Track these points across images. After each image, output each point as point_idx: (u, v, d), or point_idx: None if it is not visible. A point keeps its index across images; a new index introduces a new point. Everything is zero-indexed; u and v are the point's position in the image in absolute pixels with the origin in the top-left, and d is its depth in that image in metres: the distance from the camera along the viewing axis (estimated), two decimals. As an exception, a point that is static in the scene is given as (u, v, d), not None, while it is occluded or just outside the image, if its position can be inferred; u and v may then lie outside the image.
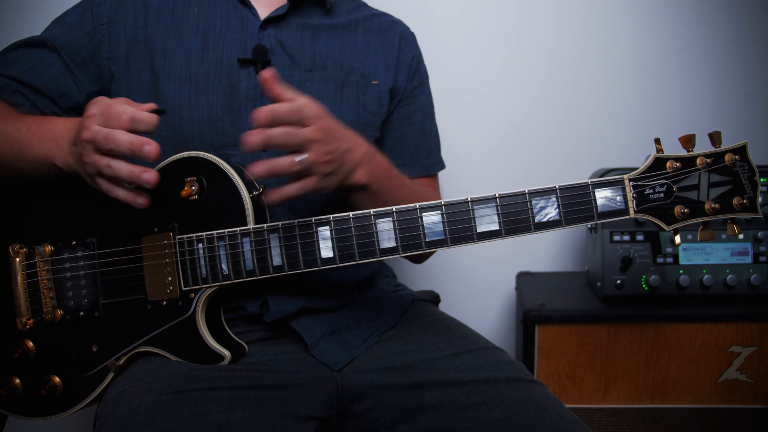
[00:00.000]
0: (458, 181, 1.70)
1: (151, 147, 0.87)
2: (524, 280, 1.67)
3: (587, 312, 1.41)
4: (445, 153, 1.37)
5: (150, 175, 0.89)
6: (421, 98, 1.29)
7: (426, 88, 1.31)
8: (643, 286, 1.42)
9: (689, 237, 1.43)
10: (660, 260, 1.43)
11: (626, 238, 1.44)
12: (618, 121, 1.76)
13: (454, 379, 1.00)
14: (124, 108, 0.89)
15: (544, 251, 1.83)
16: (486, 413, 0.95)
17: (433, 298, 1.32)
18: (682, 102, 1.75)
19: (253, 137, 0.86)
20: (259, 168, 0.88)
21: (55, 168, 0.98)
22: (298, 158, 0.88)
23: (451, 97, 1.76)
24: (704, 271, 1.42)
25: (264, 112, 0.87)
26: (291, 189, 0.91)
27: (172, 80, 1.07)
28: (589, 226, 1.56)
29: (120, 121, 0.88)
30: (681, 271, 1.42)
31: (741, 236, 1.42)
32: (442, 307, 1.32)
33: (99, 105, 0.91)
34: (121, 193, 0.92)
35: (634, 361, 1.41)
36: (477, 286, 1.84)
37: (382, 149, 1.25)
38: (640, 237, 1.43)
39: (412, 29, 1.31)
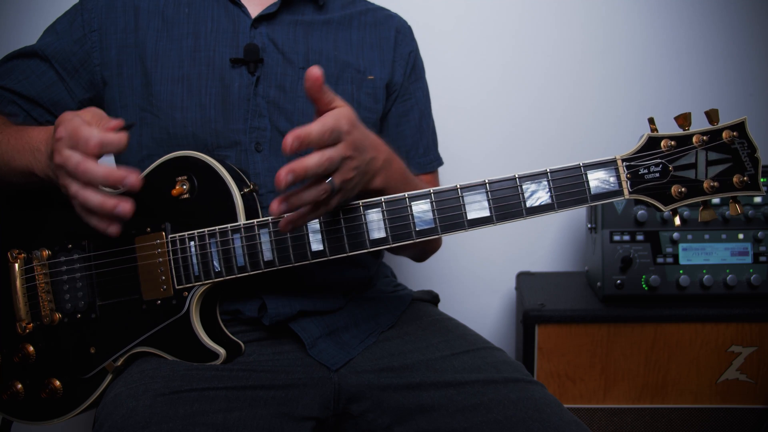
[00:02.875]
0: (458, 181, 1.69)
1: (132, 178, 0.82)
2: (524, 280, 1.67)
3: (587, 312, 1.41)
4: (445, 153, 1.37)
5: (124, 207, 0.83)
6: (417, 94, 1.27)
7: (423, 83, 1.30)
8: (643, 286, 1.42)
9: (689, 237, 1.43)
10: (660, 260, 1.42)
11: (626, 238, 1.44)
12: (618, 122, 1.76)
13: (452, 380, 1.00)
14: (91, 132, 0.83)
15: (544, 251, 1.83)
16: (484, 414, 0.94)
17: (433, 298, 1.32)
18: (682, 102, 1.75)
19: (283, 177, 0.76)
20: (277, 207, 0.79)
21: (36, 178, 0.97)
22: (321, 187, 0.82)
23: (451, 98, 1.76)
24: (704, 271, 1.42)
25: (295, 139, 0.76)
26: (312, 215, 0.85)
27: (164, 83, 1.07)
28: (589, 226, 1.56)
29: (88, 147, 0.82)
30: (681, 271, 1.42)
31: (741, 236, 1.42)
32: (442, 307, 1.32)
33: (66, 126, 0.85)
34: (93, 221, 0.88)
35: (634, 361, 1.40)
36: (477, 286, 1.84)
37: None
38: (640, 237, 1.43)
39: (413, 28, 1.30)
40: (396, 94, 1.23)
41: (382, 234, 0.93)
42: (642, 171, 0.90)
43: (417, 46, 1.28)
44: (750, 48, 1.73)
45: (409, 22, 1.30)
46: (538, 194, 0.91)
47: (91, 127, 0.85)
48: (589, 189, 0.90)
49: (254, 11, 1.13)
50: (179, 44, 1.09)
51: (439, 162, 1.33)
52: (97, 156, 0.84)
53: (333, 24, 1.18)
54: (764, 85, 1.73)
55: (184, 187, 0.98)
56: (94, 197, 0.84)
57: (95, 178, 0.83)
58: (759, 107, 1.73)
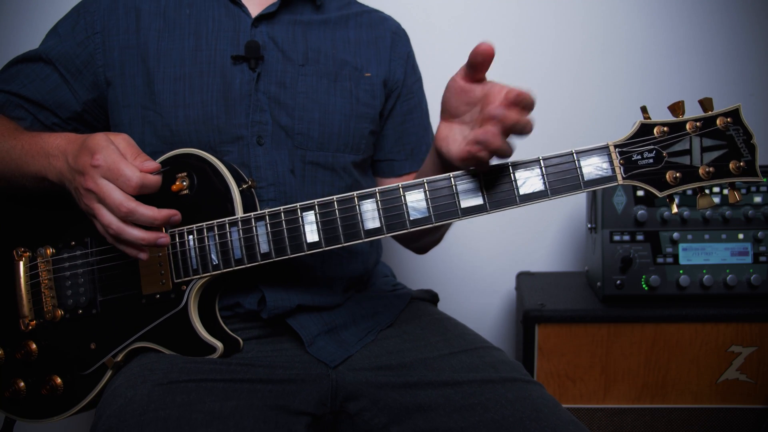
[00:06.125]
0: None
1: (165, 239, 0.92)
2: (524, 280, 1.67)
3: (587, 312, 1.41)
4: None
5: (164, 240, 0.92)
6: (419, 94, 1.30)
7: (421, 84, 1.32)
8: (643, 286, 1.42)
9: (689, 237, 1.43)
10: (660, 260, 1.42)
11: (626, 238, 1.44)
12: (617, 121, 1.76)
13: (450, 379, 1.00)
14: (133, 172, 0.89)
15: (544, 251, 1.83)
16: (481, 414, 0.94)
17: (432, 298, 1.32)
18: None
19: None
20: None
21: (48, 183, 0.99)
22: None
23: (451, 98, 1.76)
24: (704, 271, 1.42)
25: None
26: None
27: (166, 81, 1.08)
28: (589, 226, 1.56)
29: (128, 187, 0.89)
30: (681, 271, 1.42)
31: (741, 236, 1.42)
32: (442, 307, 1.32)
33: (105, 156, 0.89)
34: (121, 247, 0.94)
35: (634, 361, 1.40)
36: (477, 286, 1.84)
37: (385, 144, 1.27)
38: (640, 237, 1.43)
39: (411, 29, 1.32)
40: (398, 92, 1.25)
41: (376, 224, 0.94)
42: (635, 157, 0.89)
43: (412, 50, 1.30)
44: (750, 48, 1.73)
45: (408, 21, 1.32)
46: (531, 181, 0.91)
47: (131, 164, 0.90)
48: (582, 175, 0.89)
49: (254, 11, 1.14)
50: (181, 44, 1.10)
51: None
52: (135, 194, 0.90)
53: (330, 23, 1.20)
54: (764, 85, 1.73)
55: (184, 183, 0.99)
56: (134, 232, 0.91)
57: (141, 220, 0.90)
58: (759, 107, 1.73)
